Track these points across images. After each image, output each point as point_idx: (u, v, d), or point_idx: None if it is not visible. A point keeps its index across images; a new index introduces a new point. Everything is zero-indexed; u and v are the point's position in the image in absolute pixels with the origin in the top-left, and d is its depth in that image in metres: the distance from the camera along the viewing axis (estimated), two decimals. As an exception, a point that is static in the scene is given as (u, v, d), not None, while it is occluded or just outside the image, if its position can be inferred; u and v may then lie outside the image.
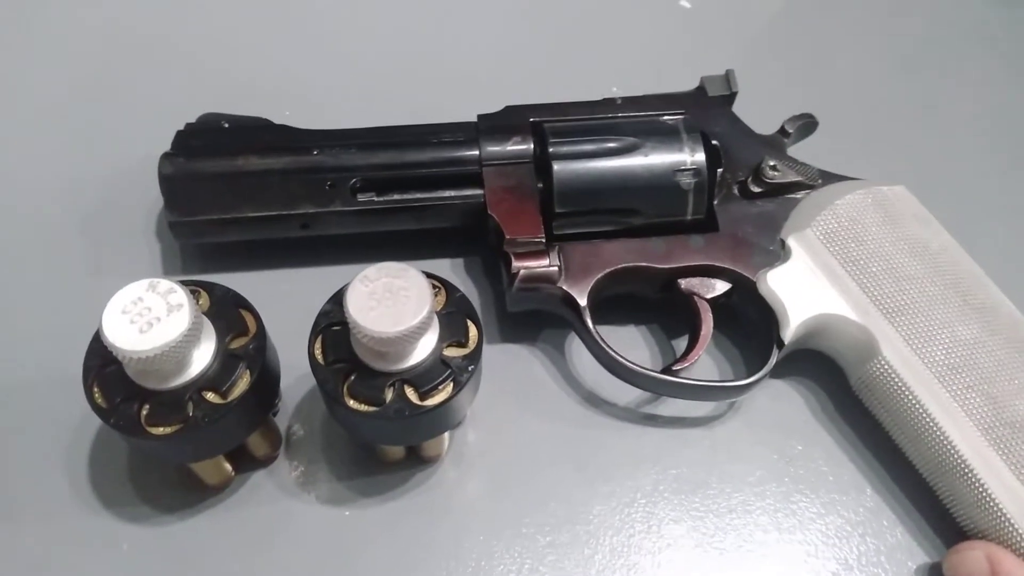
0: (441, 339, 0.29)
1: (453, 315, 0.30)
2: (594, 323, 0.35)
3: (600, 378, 0.36)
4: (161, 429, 0.28)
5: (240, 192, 0.36)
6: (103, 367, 0.28)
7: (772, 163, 0.36)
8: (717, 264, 0.36)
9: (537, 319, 0.38)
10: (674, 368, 0.35)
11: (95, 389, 0.28)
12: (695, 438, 0.36)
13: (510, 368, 0.37)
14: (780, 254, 0.35)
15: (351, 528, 0.33)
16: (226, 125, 0.38)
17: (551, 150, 0.36)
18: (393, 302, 0.27)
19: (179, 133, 0.38)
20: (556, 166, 0.35)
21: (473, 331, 0.30)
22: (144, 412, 0.28)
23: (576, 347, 0.37)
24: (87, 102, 0.45)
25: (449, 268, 0.39)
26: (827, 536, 0.34)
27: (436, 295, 0.30)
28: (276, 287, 0.34)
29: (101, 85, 0.46)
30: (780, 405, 0.37)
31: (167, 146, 0.37)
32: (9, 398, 0.35)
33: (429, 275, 0.29)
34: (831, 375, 0.36)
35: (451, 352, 0.30)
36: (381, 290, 0.27)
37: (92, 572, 0.32)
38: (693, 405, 0.36)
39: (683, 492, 0.35)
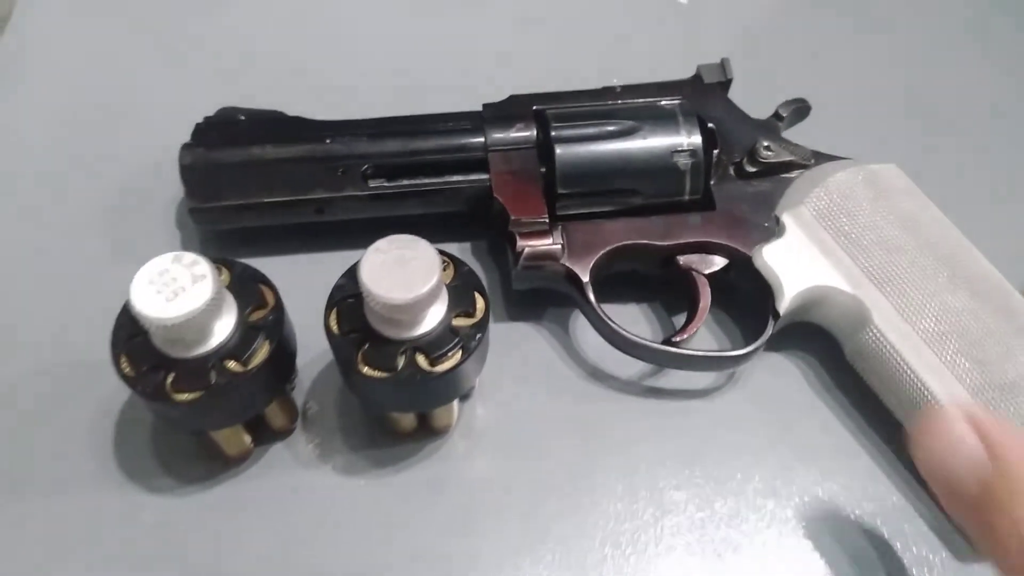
0: (450, 309, 0.31)
1: (461, 287, 0.32)
2: (597, 299, 0.36)
3: (603, 354, 0.38)
4: (185, 396, 0.29)
5: (257, 180, 0.38)
6: (130, 338, 0.30)
7: (766, 144, 0.38)
8: (714, 241, 0.37)
9: (542, 298, 0.39)
10: (674, 340, 0.36)
11: (123, 359, 0.30)
12: (695, 409, 0.37)
13: (516, 345, 0.38)
14: (775, 230, 0.37)
15: (366, 497, 0.34)
16: (242, 118, 0.40)
17: (553, 135, 0.37)
18: (404, 271, 0.28)
19: (198, 125, 0.39)
20: (558, 149, 0.37)
21: (480, 302, 0.32)
22: (169, 380, 0.29)
23: (579, 325, 0.39)
24: (112, 98, 0.47)
25: (456, 251, 0.40)
26: (824, 501, 0.35)
27: (445, 268, 0.32)
28: (290, 271, 0.35)
29: (124, 82, 0.48)
30: (777, 377, 0.38)
31: (187, 138, 0.39)
32: (36, 378, 0.37)
33: (438, 250, 0.30)
34: (826, 347, 0.38)
35: (459, 322, 0.31)
36: (392, 260, 0.29)
37: (117, 542, 0.33)
38: (693, 378, 0.38)
39: (684, 461, 0.36)
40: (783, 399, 0.37)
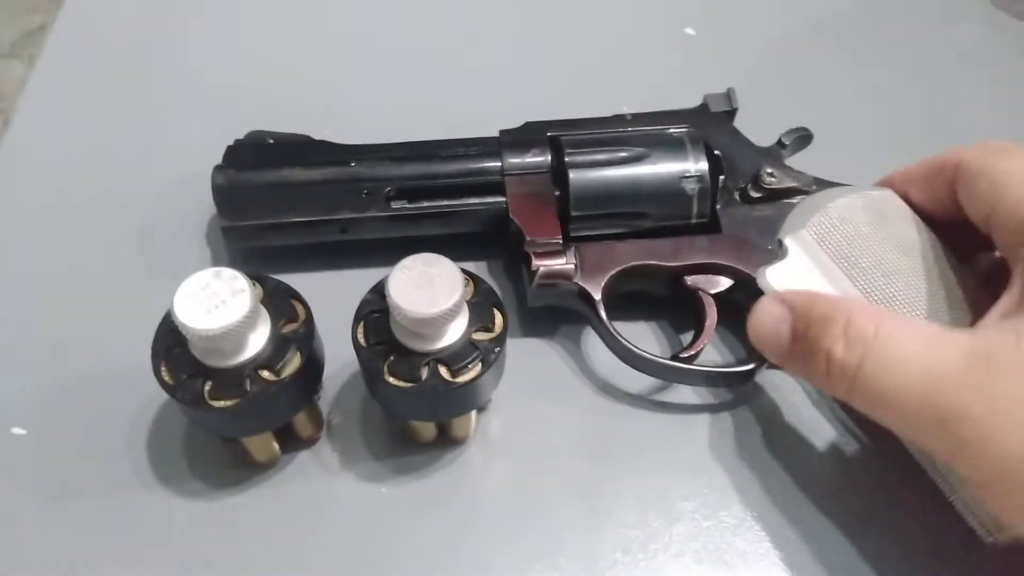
0: (470, 324, 0.33)
1: (481, 303, 0.34)
2: (608, 317, 0.38)
3: (614, 369, 0.40)
4: (222, 403, 0.31)
5: (285, 200, 0.40)
6: (170, 348, 0.32)
7: (770, 171, 0.40)
8: (720, 262, 0.39)
9: (555, 316, 0.41)
10: (681, 356, 0.38)
11: (163, 367, 0.32)
12: (703, 422, 0.39)
13: (531, 360, 0.40)
14: (778, 253, 0.38)
15: (387, 503, 0.36)
16: (271, 141, 0.42)
17: (567, 160, 0.39)
18: (429, 287, 0.30)
19: (229, 148, 0.41)
20: (572, 174, 0.39)
21: (499, 318, 0.34)
22: (207, 388, 0.31)
23: (591, 341, 0.41)
24: (146, 123, 0.49)
25: (473, 270, 0.42)
26: (830, 513, 0.36)
27: (466, 286, 0.34)
28: (316, 287, 0.37)
29: (158, 108, 0.50)
30: (784, 392, 0.40)
31: (218, 160, 0.41)
32: (74, 388, 0.39)
33: (460, 268, 0.32)
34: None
35: (479, 336, 0.33)
36: (418, 276, 0.31)
37: (150, 544, 0.35)
38: (701, 393, 0.39)
39: (692, 472, 0.37)
40: (790, 413, 0.39)
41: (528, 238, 0.39)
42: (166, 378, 0.31)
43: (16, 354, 0.40)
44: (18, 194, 0.46)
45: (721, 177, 0.40)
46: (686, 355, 0.38)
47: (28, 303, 0.42)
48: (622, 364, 0.39)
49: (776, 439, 0.38)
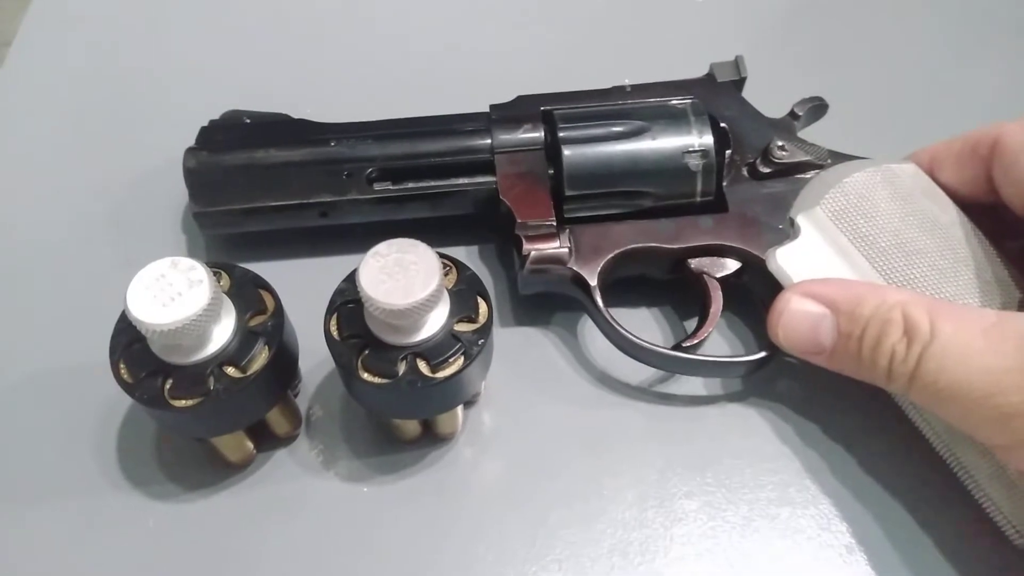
0: (452, 314, 0.30)
1: (463, 292, 0.31)
2: (605, 304, 0.35)
3: (612, 359, 0.37)
4: (184, 402, 0.29)
5: (261, 183, 0.38)
6: (129, 344, 0.30)
7: (781, 144, 0.37)
8: (727, 244, 0.36)
9: (549, 304, 0.38)
10: (684, 345, 0.35)
11: (121, 365, 0.30)
12: (707, 415, 0.36)
13: (523, 351, 0.38)
14: (790, 232, 0.36)
15: (370, 504, 0.34)
16: (247, 120, 0.40)
17: (561, 135, 0.37)
18: (404, 276, 0.28)
19: (203, 129, 0.39)
20: (566, 151, 0.36)
21: (483, 307, 0.31)
22: (167, 386, 0.29)
23: (588, 330, 0.38)
24: (116, 105, 0.47)
25: (464, 255, 0.40)
26: (841, 512, 0.34)
27: (447, 273, 0.31)
28: (295, 276, 0.35)
29: (132, 94, 0.48)
30: (791, 383, 0.37)
31: (191, 142, 0.39)
32: (41, 383, 0.37)
33: (440, 254, 0.30)
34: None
35: (462, 327, 0.30)
36: (392, 264, 0.28)
37: (120, 547, 0.33)
38: (705, 383, 0.37)
39: (695, 468, 0.35)
40: (798, 406, 0.36)
41: (519, 220, 0.36)
42: (125, 376, 0.29)
43: (-16, 349, 0.38)
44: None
45: (728, 151, 0.37)
46: (690, 344, 0.35)
47: (-3, 295, 0.40)
48: (621, 354, 0.36)
49: (786, 433, 0.36)
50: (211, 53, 0.49)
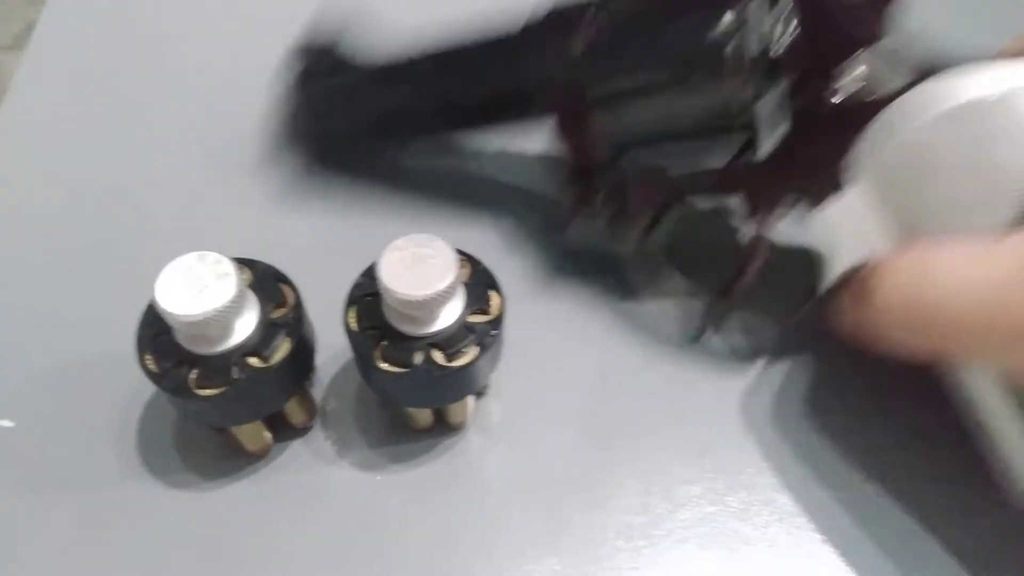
0: (466, 306, 0.32)
1: (477, 285, 0.32)
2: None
3: (619, 351, 0.39)
4: (208, 391, 0.30)
5: (349, 107, 0.42)
6: (156, 336, 0.31)
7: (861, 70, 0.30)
8: (775, 188, 0.33)
9: (559, 295, 0.40)
10: (720, 292, 0.36)
11: (148, 356, 0.31)
12: (709, 405, 0.38)
13: (532, 342, 0.39)
14: (845, 183, 0.31)
15: (383, 491, 0.35)
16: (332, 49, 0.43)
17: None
18: (421, 268, 0.29)
19: (297, 52, 0.43)
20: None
21: (496, 300, 0.32)
22: (193, 376, 0.30)
23: (596, 323, 0.40)
24: (137, 109, 0.48)
25: (482, 246, 0.41)
26: (838, 497, 0.35)
27: (462, 267, 0.33)
28: (311, 270, 0.36)
29: (150, 93, 0.49)
30: (796, 369, 0.38)
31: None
32: (62, 378, 0.38)
33: (456, 249, 0.31)
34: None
35: (475, 319, 0.32)
36: (410, 258, 0.30)
37: (140, 534, 0.34)
38: (707, 375, 0.38)
39: (697, 455, 0.36)
40: (798, 396, 0.38)
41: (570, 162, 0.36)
42: (151, 367, 0.30)
43: (3, 344, 0.39)
44: (6, 182, 0.45)
45: (786, 80, 0.31)
46: (728, 290, 0.36)
47: (15, 291, 0.41)
48: (628, 346, 0.38)
49: (785, 422, 0.37)
50: (231, 56, 0.50)
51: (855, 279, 0.30)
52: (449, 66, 0.39)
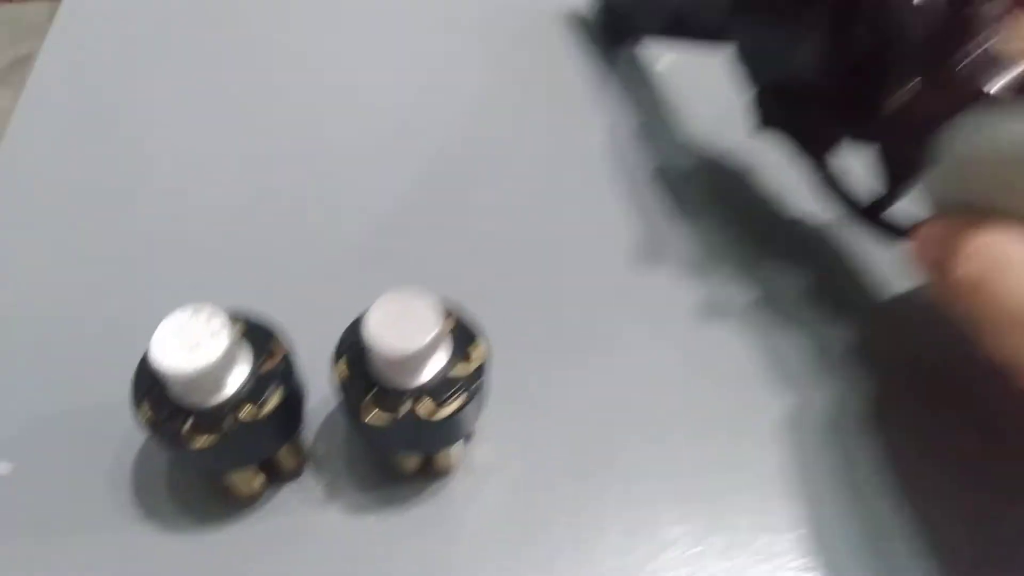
0: (451, 356, 0.33)
1: (461, 335, 0.33)
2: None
3: (605, 392, 0.40)
4: (201, 442, 0.31)
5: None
6: (150, 388, 0.32)
7: None
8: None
9: (541, 339, 0.41)
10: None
11: (143, 408, 0.32)
12: (694, 448, 0.39)
13: (519, 387, 0.40)
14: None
15: (372, 534, 0.36)
16: None
17: None
18: (407, 323, 0.30)
19: None
20: None
21: (479, 349, 0.33)
22: (186, 427, 0.31)
23: (582, 364, 0.41)
24: (135, 149, 0.49)
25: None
26: (820, 536, 0.36)
27: (446, 318, 0.34)
28: (303, 319, 0.37)
29: (147, 132, 0.50)
30: (774, 418, 0.40)
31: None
32: (59, 423, 0.39)
33: (441, 300, 0.32)
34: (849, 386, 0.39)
35: (460, 368, 0.33)
36: (395, 313, 0.31)
37: (135, 578, 0.35)
38: (692, 416, 0.39)
39: (681, 497, 0.37)
40: (783, 436, 0.39)
41: None
42: (146, 418, 0.31)
43: (2, 389, 0.40)
44: (3, 223, 0.46)
45: None
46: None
47: (13, 337, 0.42)
48: (613, 387, 0.39)
49: (767, 464, 0.38)
50: (227, 92, 0.52)
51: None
52: None
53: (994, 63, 0.30)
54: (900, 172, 0.37)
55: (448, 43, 0.58)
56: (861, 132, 0.37)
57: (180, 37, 0.56)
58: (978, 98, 0.30)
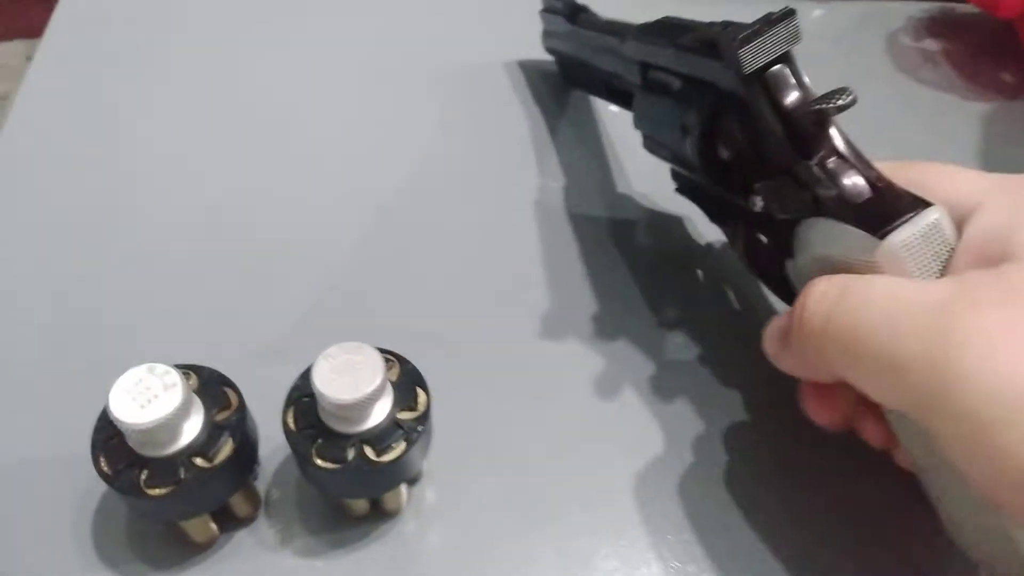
0: (395, 404, 0.35)
1: (404, 383, 0.36)
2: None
3: (552, 436, 0.42)
4: (158, 491, 0.33)
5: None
6: (108, 440, 0.33)
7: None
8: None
9: (484, 388, 0.43)
10: None
11: (101, 458, 0.33)
12: (623, 485, 0.41)
13: (464, 430, 0.42)
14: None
15: (323, 577, 0.38)
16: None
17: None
18: (351, 374, 0.33)
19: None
20: None
21: (422, 396, 0.36)
22: (143, 476, 0.33)
23: (526, 408, 0.43)
24: (113, 195, 0.51)
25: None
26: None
27: (390, 368, 0.36)
28: (255, 372, 0.38)
29: (124, 179, 0.52)
30: (711, 451, 0.42)
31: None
32: (19, 474, 0.40)
33: (383, 350, 0.35)
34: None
35: (403, 415, 0.35)
36: (341, 365, 0.33)
37: (94, 626, 0.36)
38: (623, 452, 0.42)
39: (614, 534, 0.39)
40: (708, 471, 0.41)
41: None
42: (105, 469, 0.33)
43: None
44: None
45: None
46: None
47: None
48: (551, 432, 0.41)
49: (693, 498, 0.41)
50: (202, 148, 0.54)
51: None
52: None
53: (851, 165, 0.34)
54: (768, 261, 0.40)
55: (398, 93, 0.61)
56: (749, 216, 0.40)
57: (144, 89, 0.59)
58: (829, 201, 0.33)
